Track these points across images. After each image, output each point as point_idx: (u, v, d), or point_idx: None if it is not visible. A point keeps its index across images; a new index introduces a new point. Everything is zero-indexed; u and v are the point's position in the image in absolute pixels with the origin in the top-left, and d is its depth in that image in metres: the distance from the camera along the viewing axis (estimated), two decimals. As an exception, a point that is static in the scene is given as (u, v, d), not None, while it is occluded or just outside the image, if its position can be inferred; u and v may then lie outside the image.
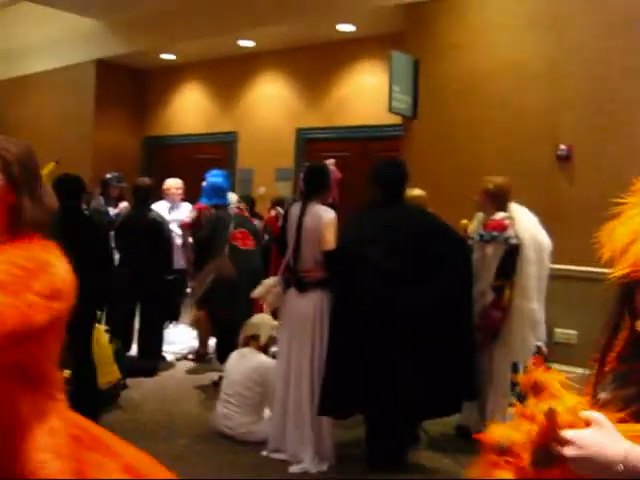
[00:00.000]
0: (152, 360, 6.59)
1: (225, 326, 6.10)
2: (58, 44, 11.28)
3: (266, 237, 7.46)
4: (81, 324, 4.99)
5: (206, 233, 6.23)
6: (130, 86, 11.35)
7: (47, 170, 6.09)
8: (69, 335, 4.81)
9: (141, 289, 6.38)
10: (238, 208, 6.60)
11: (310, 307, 4.28)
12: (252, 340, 4.93)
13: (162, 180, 7.93)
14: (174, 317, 7.79)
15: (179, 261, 7.50)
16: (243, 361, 4.81)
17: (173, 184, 7.71)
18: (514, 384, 3.93)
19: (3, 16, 12.29)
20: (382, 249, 3.91)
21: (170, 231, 6.75)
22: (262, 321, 4.93)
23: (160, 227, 6.55)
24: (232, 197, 6.55)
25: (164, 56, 10.53)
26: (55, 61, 11.37)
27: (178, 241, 7.24)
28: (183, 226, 6.91)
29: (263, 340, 4.83)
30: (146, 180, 6.96)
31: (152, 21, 9.90)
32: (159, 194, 7.68)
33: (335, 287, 4.15)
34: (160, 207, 7.52)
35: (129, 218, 6.73)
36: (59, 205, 4.92)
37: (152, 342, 6.68)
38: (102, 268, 5.11)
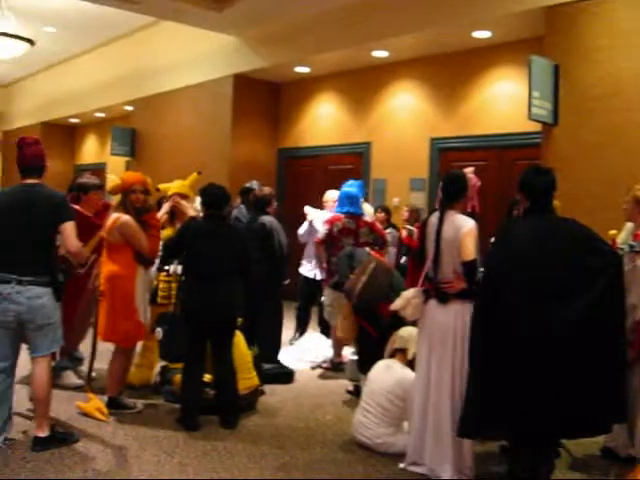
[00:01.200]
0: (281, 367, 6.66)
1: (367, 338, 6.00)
2: (198, 60, 11.74)
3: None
4: (223, 331, 5.13)
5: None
6: (266, 99, 11.64)
7: (189, 181, 6.31)
8: (212, 341, 4.97)
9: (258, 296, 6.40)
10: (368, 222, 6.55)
11: (451, 319, 4.19)
12: (399, 353, 4.89)
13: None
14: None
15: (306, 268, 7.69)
16: (388, 373, 4.76)
17: (330, 196, 7.79)
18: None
19: (146, 36, 12.94)
20: (534, 262, 3.75)
21: (282, 237, 6.76)
22: (411, 335, 4.86)
23: (269, 234, 6.58)
24: (367, 208, 6.53)
25: (298, 69, 10.72)
26: (195, 77, 11.84)
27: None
28: (317, 243, 7.02)
29: (411, 354, 4.76)
30: (264, 189, 7.09)
31: (287, 35, 10.12)
32: (321, 206, 7.86)
33: (479, 301, 4.03)
34: (322, 216, 7.57)
35: (246, 225, 6.86)
36: (205, 214, 5.12)
37: (269, 349, 6.64)
38: (243, 277, 5.23)
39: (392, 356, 4.94)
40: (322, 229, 7.07)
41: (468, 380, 3.96)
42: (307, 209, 7.95)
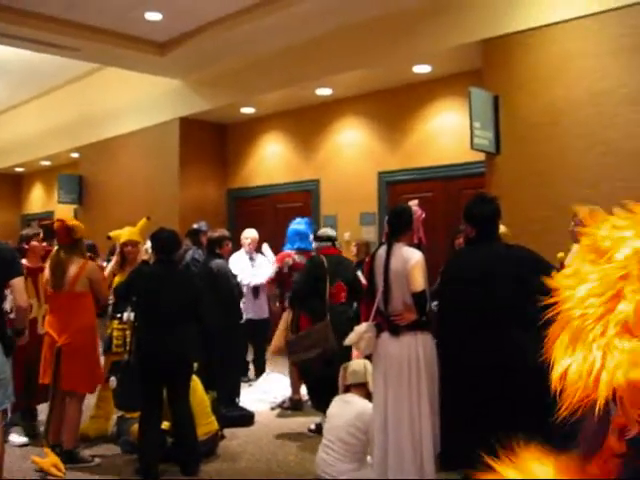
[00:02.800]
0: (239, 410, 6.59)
1: (317, 377, 6.03)
2: (143, 105, 11.74)
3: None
4: (179, 376, 5.07)
5: (300, 285, 6.22)
6: (213, 140, 11.66)
7: (139, 227, 6.28)
8: (168, 388, 4.90)
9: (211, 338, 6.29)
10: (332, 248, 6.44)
11: (404, 351, 4.21)
12: (355, 387, 4.87)
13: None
14: (246, 369, 7.88)
15: (255, 311, 7.68)
16: (347, 407, 4.74)
17: (247, 235, 7.95)
18: None
19: (90, 82, 12.89)
20: (480, 291, 3.80)
21: (230, 280, 6.69)
22: (366, 368, 4.86)
23: (216, 278, 6.49)
24: (329, 231, 6.46)
25: (244, 109, 10.78)
26: (141, 121, 11.82)
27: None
28: (268, 283, 7.07)
29: (371, 386, 4.76)
30: (217, 231, 7.08)
31: (230, 77, 10.20)
32: (239, 245, 7.94)
33: (436, 332, 4.08)
34: (239, 258, 7.74)
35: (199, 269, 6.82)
36: (156, 259, 5.09)
37: (227, 392, 6.56)
38: (196, 320, 5.19)
39: (347, 390, 4.91)
40: (271, 268, 7.16)
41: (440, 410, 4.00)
42: (265, 247, 7.99)
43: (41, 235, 6.13)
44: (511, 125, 7.07)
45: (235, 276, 6.91)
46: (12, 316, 4.98)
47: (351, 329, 4.56)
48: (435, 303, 4.30)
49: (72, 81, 13.33)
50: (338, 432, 4.66)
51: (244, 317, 7.12)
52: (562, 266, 4.62)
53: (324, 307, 5.80)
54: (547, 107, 6.80)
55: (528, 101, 6.94)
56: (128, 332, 5.83)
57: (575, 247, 4.80)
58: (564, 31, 6.70)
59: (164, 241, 5.18)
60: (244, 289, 7.47)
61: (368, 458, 4.68)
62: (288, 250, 7.05)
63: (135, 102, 11.90)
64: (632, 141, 6.18)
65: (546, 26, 6.79)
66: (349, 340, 4.52)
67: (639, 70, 6.18)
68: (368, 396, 4.77)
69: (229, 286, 6.61)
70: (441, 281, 4.24)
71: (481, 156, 7.42)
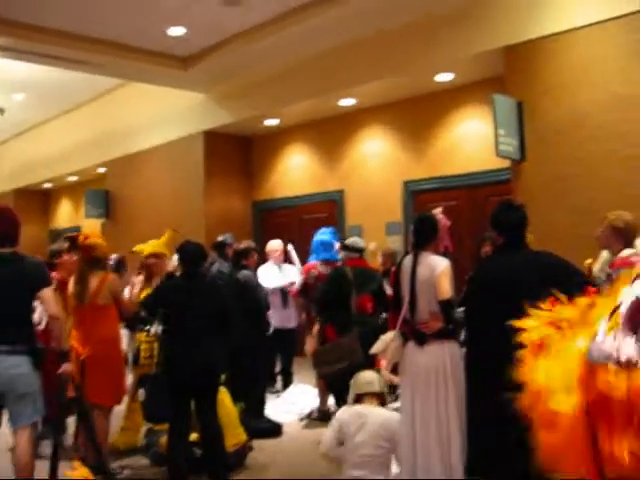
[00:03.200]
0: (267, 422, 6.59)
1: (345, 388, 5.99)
2: (167, 119, 11.83)
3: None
4: (207, 388, 5.07)
5: (322, 295, 6.22)
6: (237, 153, 11.72)
7: (165, 239, 6.32)
8: (196, 400, 4.90)
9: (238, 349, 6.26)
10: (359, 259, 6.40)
11: (431, 360, 4.19)
12: (370, 397, 4.72)
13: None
14: (274, 380, 7.87)
15: (282, 321, 7.69)
16: (367, 421, 4.52)
17: (273, 246, 8.01)
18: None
19: (115, 97, 13.04)
20: (509, 298, 3.76)
21: (257, 291, 6.73)
22: (377, 377, 4.80)
23: (244, 290, 6.51)
24: (358, 242, 6.42)
25: (268, 122, 10.83)
26: (165, 136, 11.91)
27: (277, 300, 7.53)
28: (293, 294, 7.09)
29: (385, 396, 4.72)
30: (243, 242, 7.10)
31: (254, 90, 10.25)
32: (265, 257, 7.98)
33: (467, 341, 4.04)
34: (267, 269, 7.78)
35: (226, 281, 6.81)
36: (183, 271, 5.12)
37: (254, 404, 6.56)
38: (224, 333, 5.20)
39: (358, 401, 4.73)
40: (298, 279, 7.17)
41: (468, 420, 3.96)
42: (291, 249, 8.00)
43: (66, 246, 6.21)
44: (536, 131, 7.03)
45: (262, 287, 6.92)
46: (41, 327, 5.05)
47: (377, 339, 4.54)
48: (461, 310, 4.27)
49: (98, 97, 13.48)
50: (366, 449, 4.46)
51: (272, 327, 7.12)
52: (590, 272, 4.58)
53: (350, 318, 5.79)
54: (571, 112, 6.75)
55: (552, 107, 6.90)
56: (156, 345, 5.87)
57: (604, 253, 4.76)
58: (586, 36, 6.66)
59: (190, 253, 5.20)
60: (272, 297, 7.46)
61: (393, 468, 4.63)
62: (313, 261, 7.06)
63: (159, 116, 12.00)
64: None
65: (568, 31, 6.76)
66: (375, 349, 4.51)
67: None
68: (382, 406, 4.71)
69: (256, 297, 6.63)
70: (469, 288, 4.21)
71: (506, 163, 7.39)
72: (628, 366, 1.65)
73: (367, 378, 4.80)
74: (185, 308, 5.00)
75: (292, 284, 7.69)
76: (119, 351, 5.55)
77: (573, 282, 3.78)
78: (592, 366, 1.67)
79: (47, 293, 4.37)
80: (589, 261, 4.93)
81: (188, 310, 4.99)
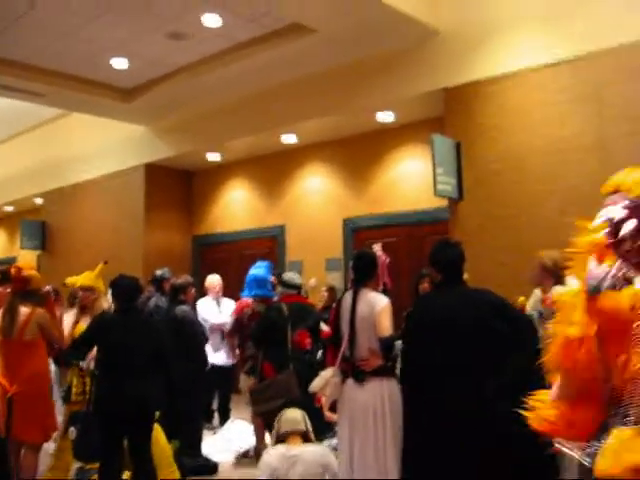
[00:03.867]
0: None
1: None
2: (108, 151, 11.70)
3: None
4: (140, 425, 4.96)
5: (255, 332, 6.18)
6: (178, 187, 11.64)
7: (96, 272, 6.20)
8: (129, 438, 4.78)
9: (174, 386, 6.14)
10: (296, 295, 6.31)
11: (370, 397, 4.19)
12: (294, 436, 4.49)
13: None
14: (210, 417, 7.74)
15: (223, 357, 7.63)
16: (297, 459, 4.28)
17: (212, 281, 7.98)
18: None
19: (55, 127, 12.86)
20: (444, 337, 3.77)
21: (195, 326, 6.64)
22: (303, 415, 4.61)
23: (181, 323, 6.41)
24: (296, 279, 6.37)
25: (210, 156, 10.80)
26: (105, 168, 11.77)
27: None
28: (226, 335, 7.02)
29: (311, 433, 4.58)
30: (181, 277, 7.01)
31: (196, 124, 10.24)
32: (203, 291, 7.92)
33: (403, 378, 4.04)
34: (206, 303, 7.72)
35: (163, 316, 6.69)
36: (117, 307, 5.01)
37: (190, 441, 6.38)
38: (160, 369, 5.09)
39: (282, 441, 4.50)
40: (229, 319, 7.11)
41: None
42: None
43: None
44: (473, 171, 7.18)
45: (200, 323, 6.84)
46: None
47: (316, 376, 4.51)
48: (399, 345, 4.28)
49: (36, 127, 13.28)
50: None
51: (209, 363, 7.02)
52: (523, 310, 4.66)
53: (287, 355, 5.73)
54: (508, 153, 6.92)
55: (489, 148, 7.07)
56: (88, 380, 5.73)
57: (537, 291, 4.86)
58: (523, 80, 6.86)
59: (124, 288, 5.11)
60: (210, 333, 7.37)
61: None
62: (245, 297, 6.98)
63: (100, 148, 11.86)
64: (593, 187, 6.26)
65: (505, 75, 6.96)
66: (314, 386, 4.48)
67: (596, 118, 6.33)
68: (307, 440, 4.50)
69: (194, 332, 6.52)
70: (407, 326, 4.23)
71: (445, 202, 7.51)
72: (617, 226, 2.03)
73: (293, 416, 4.60)
74: (119, 344, 4.89)
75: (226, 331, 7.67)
76: (47, 387, 5.39)
77: (510, 318, 3.83)
78: (594, 298, 1.96)
79: None
80: (522, 299, 5.03)
81: (122, 346, 4.88)
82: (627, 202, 2.09)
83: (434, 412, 3.72)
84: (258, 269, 6.96)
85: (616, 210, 2.09)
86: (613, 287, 1.97)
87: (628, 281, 2.01)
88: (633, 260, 2.02)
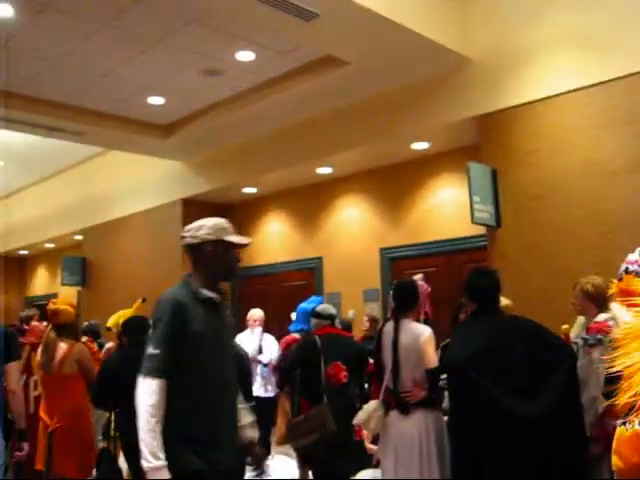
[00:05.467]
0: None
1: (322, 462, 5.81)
2: (146, 187, 11.88)
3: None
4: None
5: (285, 367, 6.16)
6: (215, 221, 11.70)
7: (134, 309, 6.26)
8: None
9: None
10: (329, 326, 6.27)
11: (415, 429, 4.14)
12: None
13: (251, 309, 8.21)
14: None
15: (261, 389, 7.60)
16: None
17: (253, 315, 8.00)
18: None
19: (94, 165, 13.12)
20: (492, 364, 3.73)
21: (245, 359, 6.57)
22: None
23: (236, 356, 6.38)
24: (329, 309, 6.29)
25: (246, 190, 10.90)
26: (143, 203, 11.94)
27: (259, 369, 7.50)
28: (272, 369, 7.00)
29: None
30: None
31: (232, 158, 10.35)
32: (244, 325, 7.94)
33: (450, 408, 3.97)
34: (245, 336, 7.70)
35: None
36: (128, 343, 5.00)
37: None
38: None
39: None
40: (276, 353, 7.08)
41: None
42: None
43: (37, 315, 6.16)
44: (510, 198, 7.13)
45: (248, 357, 6.81)
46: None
47: (353, 410, 4.46)
48: (444, 377, 4.22)
49: (76, 164, 13.56)
50: None
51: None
52: (567, 337, 4.58)
53: (319, 389, 5.63)
54: (545, 179, 6.87)
55: (526, 173, 7.02)
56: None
57: (580, 319, 4.77)
58: (556, 105, 6.83)
59: (133, 326, 5.17)
60: (252, 365, 7.36)
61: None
62: (293, 330, 6.94)
63: (137, 184, 12.04)
64: (630, 210, 6.21)
65: (538, 100, 6.93)
66: (358, 419, 4.45)
67: (632, 140, 6.27)
68: None
69: (244, 366, 6.43)
70: (450, 353, 4.14)
71: (482, 230, 7.46)
72: None
73: None
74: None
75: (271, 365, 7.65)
76: (87, 422, 5.41)
77: (550, 345, 3.78)
78: None
79: (12, 367, 4.31)
80: (566, 326, 4.94)
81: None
82: None
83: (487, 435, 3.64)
84: (310, 303, 6.89)
85: None
86: None
87: None
88: None
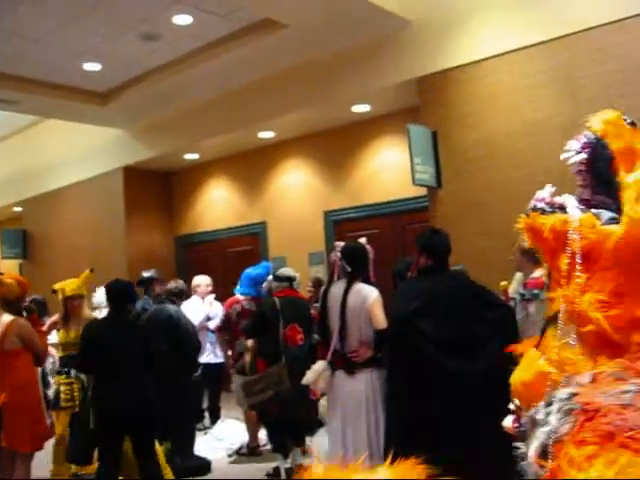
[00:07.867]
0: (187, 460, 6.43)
1: (275, 419, 5.95)
2: (86, 156, 11.64)
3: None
4: (145, 427, 4.96)
5: (248, 327, 6.22)
6: (158, 188, 11.62)
7: (82, 279, 6.19)
8: (133, 442, 4.74)
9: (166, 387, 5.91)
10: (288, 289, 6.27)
11: (362, 388, 4.22)
12: None
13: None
14: (201, 417, 7.72)
15: (211, 355, 7.62)
16: None
17: (202, 281, 7.91)
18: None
19: (31, 135, 12.77)
20: (435, 319, 3.83)
21: (189, 326, 6.51)
22: None
23: (177, 323, 6.31)
24: (288, 272, 6.38)
25: (188, 156, 10.80)
26: (83, 172, 11.71)
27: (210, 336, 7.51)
28: (216, 331, 7.02)
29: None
30: (178, 282, 6.97)
31: (173, 124, 10.22)
32: (189, 292, 7.87)
33: (390, 365, 4.06)
34: (193, 304, 7.66)
35: (149, 318, 6.46)
36: (110, 311, 5.02)
37: (182, 442, 6.39)
38: (148, 367, 5.11)
39: None
40: (219, 314, 7.10)
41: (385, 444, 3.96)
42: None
43: None
44: (450, 159, 7.23)
45: (192, 323, 6.81)
46: None
47: (307, 369, 4.54)
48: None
49: (12, 134, 13.18)
50: None
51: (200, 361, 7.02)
52: (506, 294, 4.72)
53: (278, 349, 5.76)
54: (484, 139, 6.98)
55: (466, 135, 7.12)
56: (75, 386, 5.77)
57: (518, 275, 4.91)
58: (495, 66, 6.92)
59: (117, 292, 5.14)
60: (201, 332, 7.35)
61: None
62: (238, 294, 6.96)
63: (77, 153, 11.80)
64: (569, 168, 6.36)
65: (477, 62, 7.02)
66: (306, 380, 4.51)
67: (570, 99, 6.40)
68: None
69: (188, 332, 6.46)
70: (397, 306, 4.20)
71: (424, 191, 7.55)
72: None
73: None
74: (115, 347, 4.91)
75: (209, 319, 7.65)
76: (35, 396, 5.37)
77: (493, 305, 3.91)
78: None
79: None
80: (504, 283, 5.08)
81: (118, 349, 4.90)
82: (585, 138, 2.26)
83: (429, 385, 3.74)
84: (257, 269, 6.95)
85: (573, 143, 2.36)
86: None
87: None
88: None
